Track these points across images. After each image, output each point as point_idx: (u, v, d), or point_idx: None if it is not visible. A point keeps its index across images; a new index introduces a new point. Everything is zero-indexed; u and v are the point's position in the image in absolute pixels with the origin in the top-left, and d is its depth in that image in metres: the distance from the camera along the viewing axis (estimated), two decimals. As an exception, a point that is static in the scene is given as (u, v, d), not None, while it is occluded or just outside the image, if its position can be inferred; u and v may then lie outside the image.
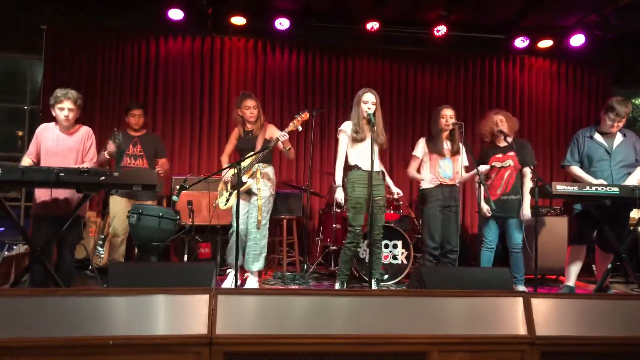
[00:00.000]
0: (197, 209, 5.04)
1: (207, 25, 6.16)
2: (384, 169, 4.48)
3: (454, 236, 4.41)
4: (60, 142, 3.71)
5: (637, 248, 4.15)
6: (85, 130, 3.82)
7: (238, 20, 6.06)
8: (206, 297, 2.17)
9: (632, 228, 4.29)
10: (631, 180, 4.30)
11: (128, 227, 4.15)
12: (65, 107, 3.64)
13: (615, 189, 3.82)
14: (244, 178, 4.35)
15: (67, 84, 4.06)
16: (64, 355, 1.99)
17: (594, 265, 4.99)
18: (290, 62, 6.45)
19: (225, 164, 4.54)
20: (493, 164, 4.55)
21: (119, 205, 4.46)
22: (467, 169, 4.56)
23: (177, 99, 6.22)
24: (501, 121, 4.58)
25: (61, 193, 3.58)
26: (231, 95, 6.17)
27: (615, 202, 3.87)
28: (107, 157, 4.19)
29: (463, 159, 4.49)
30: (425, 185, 4.50)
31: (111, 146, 4.10)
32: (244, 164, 4.26)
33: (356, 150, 4.25)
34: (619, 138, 4.42)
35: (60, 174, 3.03)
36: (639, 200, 3.83)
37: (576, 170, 4.48)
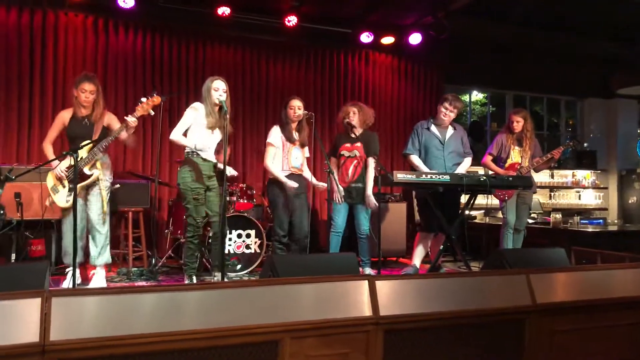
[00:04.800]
0: (27, 202, 4.51)
1: (38, -4, 5.52)
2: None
3: (305, 223, 4.54)
4: None
5: (464, 230, 4.65)
6: None
7: (75, -6, 5.52)
8: (37, 300, 1.95)
9: (460, 212, 4.79)
10: (460, 170, 4.81)
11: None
12: None
13: (447, 177, 4.23)
14: (87, 170, 3.98)
15: None
16: None
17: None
18: (136, 43, 6.05)
19: (50, 152, 4.08)
20: (342, 152, 4.77)
21: None
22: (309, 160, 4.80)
23: (1, 79, 5.47)
24: (353, 113, 4.81)
25: None
26: (67, 77, 5.61)
27: (447, 189, 4.29)
28: None
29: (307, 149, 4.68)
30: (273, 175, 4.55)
31: None
32: (82, 154, 3.90)
33: (201, 137, 4.11)
34: (450, 131, 4.91)
35: None
36: (465, 187, 4.30)
37: (414, 159, 4.88)
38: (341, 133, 4.96)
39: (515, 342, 2.58)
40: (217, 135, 4.17)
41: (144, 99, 3.94)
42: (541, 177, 8.21)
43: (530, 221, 5.92)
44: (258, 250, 5.08)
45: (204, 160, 4.10)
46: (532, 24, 7.14)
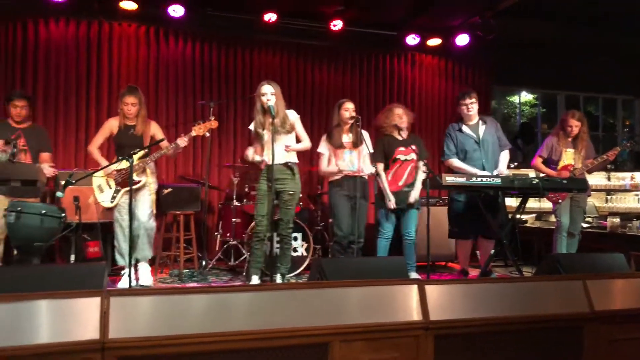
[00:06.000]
0: (85, 205, 4.70)
1: (94, 8, 5.76)
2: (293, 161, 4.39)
3: (357, 227, 4.49)
4: None
5: (515, 234, 4.52)
6: None
7: (128, 5, 5.72)
8: (97, 299, 2.03)
9: (510, 216, 4.66)
10: (500, 167, 4.69)
11: (5, 226, 3.79)
12: None
13: (498, 180, 4.12)
14: (135, 176, 4.17)
15: None
16: None
17: (478, 251, 5.35)
18: (186, 51, 6.22)
19: (98, 156, 4.37)
20: (397, 156, 4.69)
21: (-5, 203, 4.03)
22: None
23: (61, 87, 5.75)
24: (402, 116, 4.75)
25: None
26: (121, 85, 5.81)
27: (497, 192, 4.18)
28: None
29: (366, 148, 4.57)
30: (331, 177, 4.59)
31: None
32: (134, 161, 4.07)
33: (259, 147, 4.28)
34: (482, 127, 4.78)
35: None
36: (517, 190, 4.18)
37: (456, 162, 4.78)
38: (388, 136, 4.83)
39: (572, 350, 2.49)
40: (280, 137, 4.22)
41: (198, 122, 4.21)
42: (597, 179, 7.89)
43: (585, 225, 5.69)
44: (305, 254, 5.11)
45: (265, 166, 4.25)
46: (584, 21, 6.88)
